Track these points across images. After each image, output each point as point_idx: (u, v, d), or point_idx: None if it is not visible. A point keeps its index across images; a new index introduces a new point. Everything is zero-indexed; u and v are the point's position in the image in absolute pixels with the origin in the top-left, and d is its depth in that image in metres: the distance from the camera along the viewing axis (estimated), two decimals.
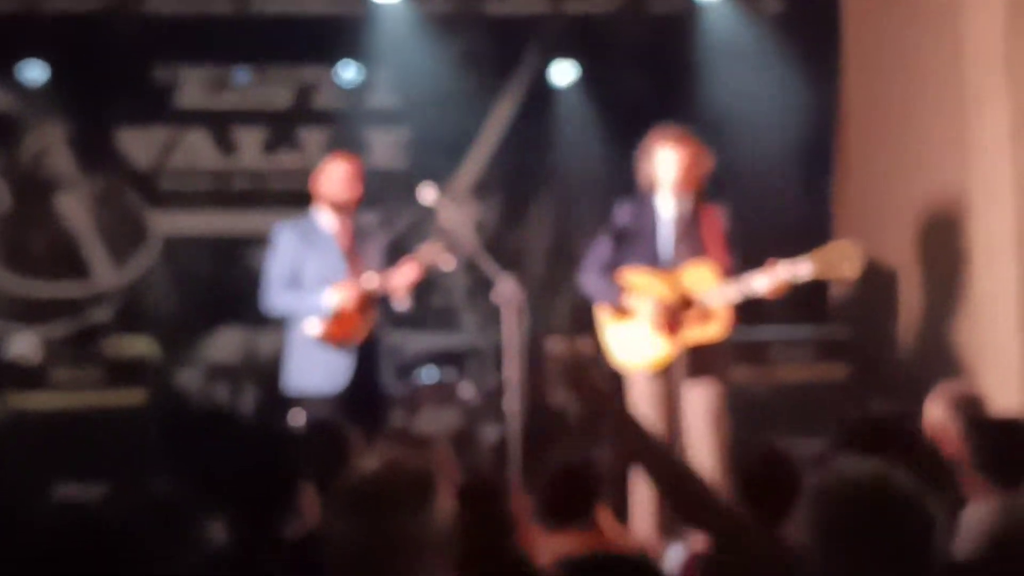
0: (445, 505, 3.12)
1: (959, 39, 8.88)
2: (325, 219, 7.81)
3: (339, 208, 7.79)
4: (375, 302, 7.67)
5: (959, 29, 8.88)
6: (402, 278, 7.63)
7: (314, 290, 7.64)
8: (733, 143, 10.21)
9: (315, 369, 7.63)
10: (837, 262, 7.05)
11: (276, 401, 9.95)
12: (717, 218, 7.44)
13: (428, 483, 3.12)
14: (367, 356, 7.68)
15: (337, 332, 7.58)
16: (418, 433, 8.48)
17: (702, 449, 7.14)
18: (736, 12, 11.04)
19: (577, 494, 5.12)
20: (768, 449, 5.09)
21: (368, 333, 7.67)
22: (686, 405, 7.21)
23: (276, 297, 7.74)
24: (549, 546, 4.71)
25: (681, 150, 7.35)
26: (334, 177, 7.80)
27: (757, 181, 10.61)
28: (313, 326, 7.57)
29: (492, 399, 9.72)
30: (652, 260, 7.34)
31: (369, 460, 3.20)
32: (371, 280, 7.62)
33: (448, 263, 7.74)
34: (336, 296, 7.58)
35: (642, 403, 7.29)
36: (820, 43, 10.92)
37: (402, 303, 7.73)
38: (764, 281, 7.07)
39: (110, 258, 10.93)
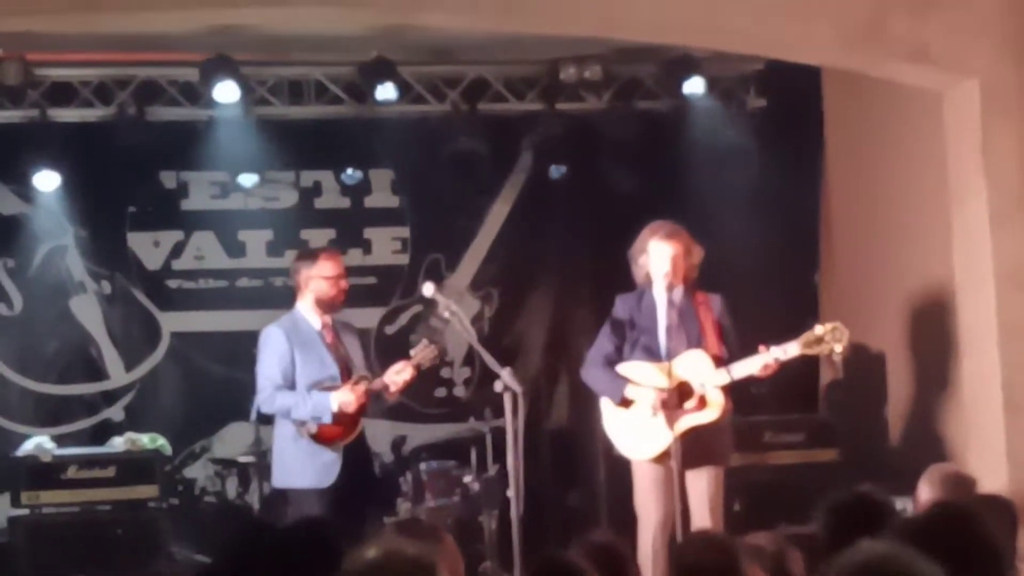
0: None
1: (940, 130, 9.08)
2: (311, 317, 7.98)
3: (326, 306, 7.97)
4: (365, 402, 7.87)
5: (939, 121, 9.09)
6: (398, 377, 7.82)
7: (308, 391, 7.78)
8: (723, 234, 10.43)
9: (305, 464, 7.80)
10: (824, 341, 7.31)
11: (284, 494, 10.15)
12: (711, 306, 7.70)
13: (429, 571, 3.14)
14: (356, 449, 7.88)
15: (335, 432, 7.75)
16: (422, 522, 8.63)
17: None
18: (721, 108, 11.27)
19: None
20: (708, 538, 5.25)
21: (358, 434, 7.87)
22: (688, 490, 7.42)
23: (277, 398, 7.88)
24: None
25: (674, 244, 7.62)
26: (322, 275, 7.97)
27: (747, 271, 10.78)
28: (312, 426, 7.73)
29: (493, 487, 9.86)
30: (651, 350, 7.60)
31: (370, 548, 3.21)
32: (371, 382, 7.80)
33: (438, 361, 7.90)
34: (342, 398, 7.77)
35: (645, 489, 7.53)
36: (804, 136, 11.14)
37: (392, 400, 7.96)
38: (756, 364, 7.33)
39: (122, 358, 11.09)
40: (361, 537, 5.03)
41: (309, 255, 8.21)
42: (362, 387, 7.77)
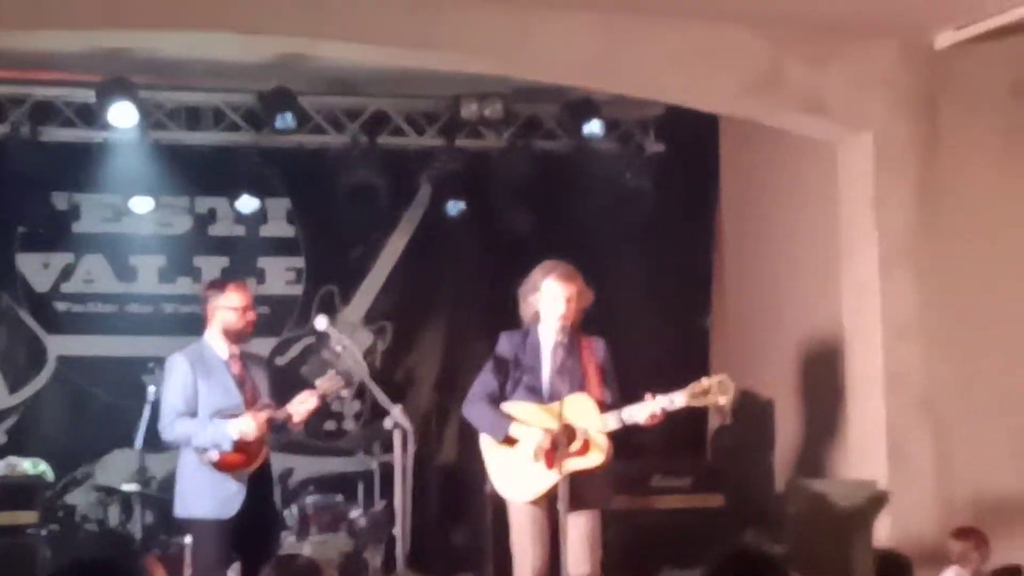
0: None
1: (833, 181, 9.21)
2: (218, 346, 7.93)
3: (233, 336, 7.95)
4: (265, 432, 7.77)
5: (833, 171, 9.21)
6: (302, 407, 7.79)
7: (211, 418, 7.71)
8: (617, 276, 10.49)
9: (208, 494, 7.68)
10: (710, 393, 7.34)
11: (168, 524, 10.02)
12: (595, 350, 7.68)
13: None
14: (259, 481, 7.77)
15: (237, 460, 7.69)
16: (303, 558, 8.55)
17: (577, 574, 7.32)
18: (619, 151, 11.33)
19: None
20: None
21: (262, 462, 7.80)
22: (567, 532, 7.37)
23: (177, 425, 7.76)
24: None
25: (569, 286, 7.59)
26: (230, 306, 7.91)
27: (639, 314, 10.85)
28: (213, 454, 7.64)
29: (380, 523, 9.81)
30: (534, 390, 7.55)
31: None
32: (275, 411, 7.76)
33: (346, 392, 7.89)
34: (242, 426, 7.66)
35: (522, 531, 7.48)
36: (699, 181, 11.25)
37: (296, 429, 7.92)
38: (642, 411, 7.32)
39: (5, 380, 10.93)
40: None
41: (218, 285, 8.13)
42: (264, 415, 7.71)
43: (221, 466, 7.65)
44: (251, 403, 7.81)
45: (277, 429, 7.92)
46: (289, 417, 7.78)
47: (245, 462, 7.70)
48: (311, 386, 7.91)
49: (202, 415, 7.74)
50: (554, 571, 7.32)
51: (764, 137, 9.96)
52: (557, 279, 7.60)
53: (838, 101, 8.90)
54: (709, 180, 11.18)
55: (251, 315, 7.96)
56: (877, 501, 3.42)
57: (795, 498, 2.69)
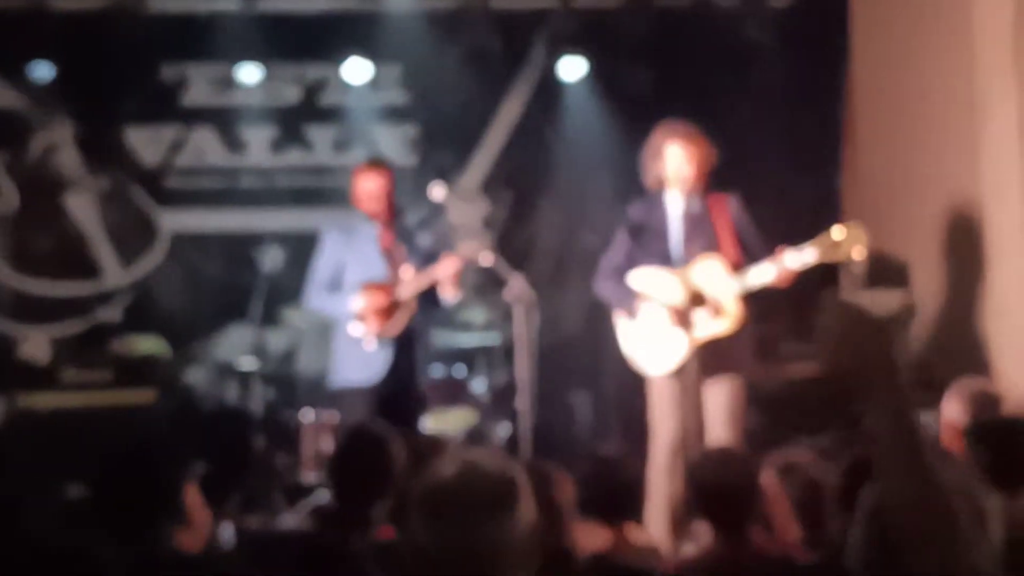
0: (528, 509, 3.00)
1: (969, 37, 8.86)
2: (368, 223, 7.98)
3: (370, 217, 7.94)
4: (411, 300, 7.81)
5: (969, 27, 8.86)
6: (443, 272, 7.74)
7: (349, 292, 7.83)
8: (743, 136, 10.23)
9: (351, 361, 7.83)
10: (842, 245, 7.03)
11: (286, 400, 9.97)
12: (727, 207, 7.43)
13: (510, 487, 2.99)
14: (402, 350, 7.83)
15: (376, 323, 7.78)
16: (428, 434, 8.47)
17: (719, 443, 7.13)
18: (743, 6, 11.01)
19: (619, 491, 5.22)
20: (725, 454, 5.10)
21: (402, 329, 7.81)
22: (705, 402, 7.20)
23: (313, 298, 8.00)
24: (580, 538, 4.76)
25: (688, 147, 7.35)
26: (359, 191, 7.97)
27: (768, 173, 10.61)
28: (355, 326, 7.75)
29: (503, 397, 9.70)
30: (664, 257, 7.33)
31: (446, 465, 3.04)
32: (405, 282, 7.77)
33: (487, 258, 7.80)
34: (360, 301, 7.77)
35: (660, 402, 7.31)
36: (828, 36, 10.90)
37: (449, 296, 7.87)
38: (772, 270, 7.06)
39: (118, 257, 10.89)
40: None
41: (360, 167, 8.18)
42: (381, 293, 7.74)
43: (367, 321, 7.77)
44: (395, 277, 7.87)
45: (430, 305, 7.92)
46: (436, 282, 7.76)
47: (383, 326, 7.76)
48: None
49: (346, 287, 7.86)
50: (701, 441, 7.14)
51: None
52: (678, 141, 7.36)
53: None
54: (838, 34, 10.81)
55: (385, 196, 7.96)
56: (908, 309, 3.21)
57: (830, 308, 2.53)
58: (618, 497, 5.36)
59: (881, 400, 2.56)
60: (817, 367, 9.26)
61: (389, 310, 7.78)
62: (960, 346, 9.09)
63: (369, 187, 7.92)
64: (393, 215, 8.05)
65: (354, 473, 4.88)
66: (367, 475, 4.83)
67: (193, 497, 4.43)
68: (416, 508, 2.98)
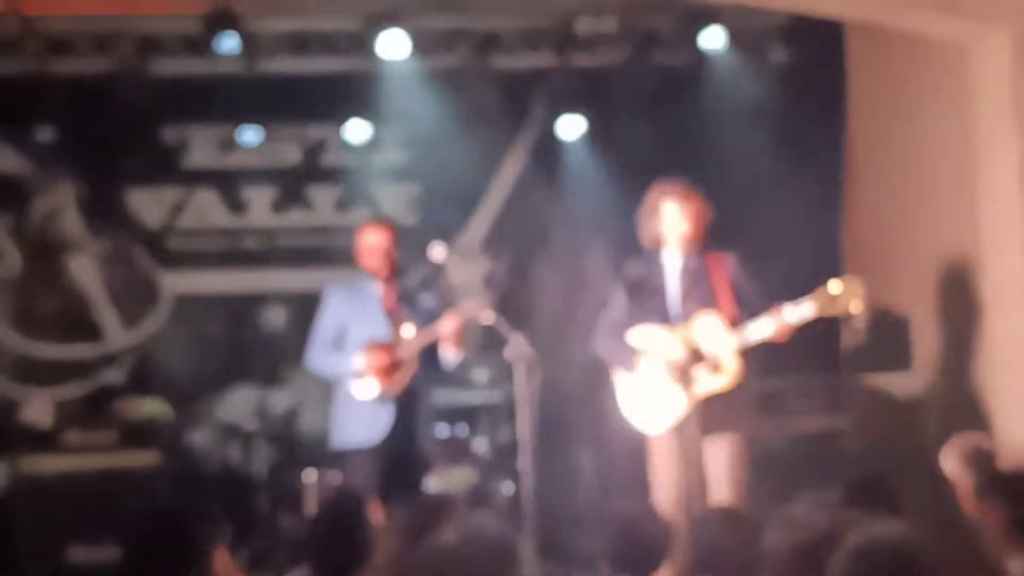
0: (528, 573, 3.02)
1: (966, 85, 8.89)
2: (371, 282, 8.00)
3: (373, 274, 7.98)
4: (413, 359, 7.81)
5: (966, 75, 8.89)
6: (444, 330, 7.76)
7: (352, 351, 7.83)
8: (743, 192, 10.26)
9: (354, 421, 7.82)
10: (839, 299, 7.07)
11: (289, 460, 9.98)
12: (724, 265, 7.47)
13: (511, 553, 3.06)
14: (405, 409, 7.81)
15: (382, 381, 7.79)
16: (439, 495, 8.46)
17: (721, 502, 7.13)
18: (742, 62, 11.04)
19: (648, 546, 5.21)
20: (728, 514, 5.10)
21: (404, 388, 7.81)
22: (706, 459, 7.21)
23: (315, 357, 8.00)
24: None
25: (684, 205, 7.40)
26: (362, 248, 8.00)
27: (769, 229, 10.60)
28: (359, 386, 7.76)
29: (505, 455, 9.70)
30: (662, 315, 7.36)
31: (447, 532, 3.10)
32: (406, 341, 7.78)
33: (488, 317, 7.81)
34: (361, 360, 7.77)
35: (661, 460, 7.32)
36: (827, 91, 10.94)
37: (451, 355, 7.88)
38: (770, 325, 7.09)
39: (121, 319, 10.93)
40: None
41: (363, 224, 8.24)
42: (383, 352, 7.77)
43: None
44: (398, 334, 7.89)
45: (432, 364, 7.92)
46: (437, 340, 7.78)
47: (385, 385, 7.76)
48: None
49: (348, 346, 7.87)
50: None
51: (892, 42, 9.65)
52: (675, 199, 7.42)
53: None
54: (837, 89, 10.85)
55: (388, 255, 7.98)
56: (934, 389, 3.19)
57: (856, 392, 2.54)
58: (646, 552, 5.35)
59: (916, 478, 2.56)
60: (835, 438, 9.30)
61: (391, 369, 7.78)
62: (959, 399, 9.09)
63: (372, 243, 7.95)
64: (395, 273, 8.06)
65: (331, 543, 4.80)
66: (343, 544, 4.74)
67: (223, 560, 4.42)
68: (420, 572, 3.06)
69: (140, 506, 9.06)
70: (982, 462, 5.90)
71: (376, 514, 4.89)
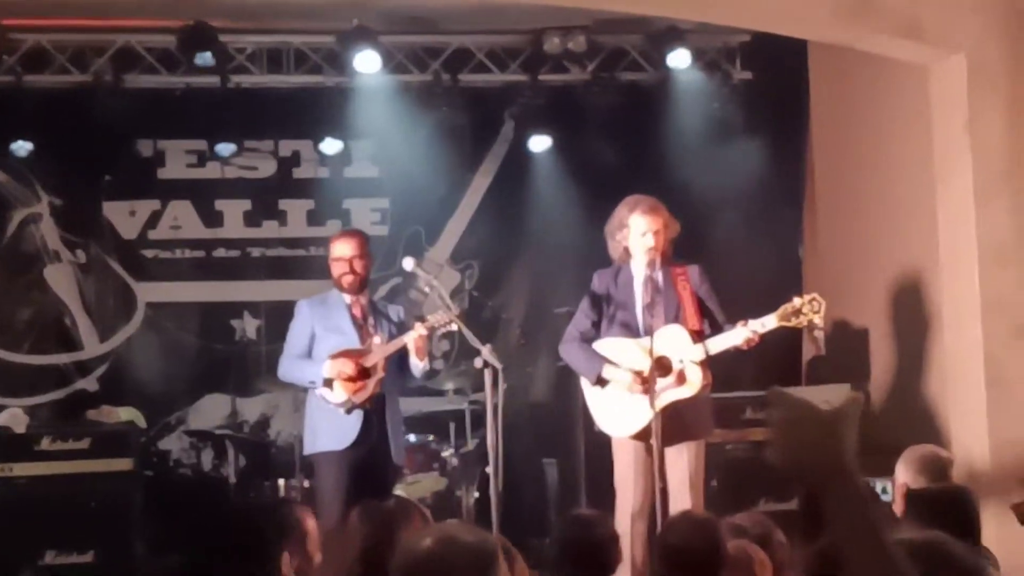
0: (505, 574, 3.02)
1: (926, 105, 9.02)
2: (342, 293, 8.13)
3: (342, 286, 8.12)
4: (381, 367, 7.92)
5: (925, 96, 9.02)
6: (411, 339, 7.87)
7: (321, 360, 7.95)
8: (706, 207, 10.41)
9: (325, 428, 7.96)
10: (802, 313, 7.27)
11: (261, 467, 10.08)
12: (689, 278, 7.62)
13: (487, 558, 3.01)
14: (373, 416, 7.95)
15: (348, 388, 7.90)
16: (396, 499, 8.57)
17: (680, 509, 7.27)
18: (705, 80, 11.17)
19: (596, 551, 5.33)
20: (692, 519, 5.23)
21: (372, 395, 7.93)
22: (667, 468, 7.36)
23: (285, 366, 8.16)
24: None
25: (655, 219, 7.55)
26: (334, 255, 8.12)
27: (730, 244, 10.73)
28: (325, 392, 7.91)
29: (472, 462, 9.80)
30: (628, 326, 7.53)
31: (423, 537, 3.05)
32: (374, 349, 7.91)
33: (456, 327, 7.93)
34: (327, 367, 7.90)
35: (624, 467, 7.47)
36: (789, 109, 11.08)
37: (419, 364, 7.99)
38: (733, 338, 7.27)
39: (96, 328, 11.00)
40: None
41: (334, 236, 8.38)
42: (351, 360, 7.88)
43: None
44: (368, 343, 8.02)
45: (401, 373, 8.06)
46: (403, 346, 7.89)
47: (352, 392, 7.88)
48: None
49: (317, 356, 8.00)
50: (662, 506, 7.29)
51: (854, 62, 9.77)
52: (642, 213, 7.57)
53: (932, 23, 8.67)
54: (799, 107, 11.00)
55: (358, 265, 8.09)
56: (855, 403, 3.29)
57: (777, 404, 2.60)
58: (595, 557, 5.47)
59: (835, 491, 2.54)
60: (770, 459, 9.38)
61: (358, 376, 7.91)
62: (914, 411, 9.26)
63: (343, 252, 8.05)
64: (365, 283, 8.18)
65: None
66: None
67: (286, 564, 4.37)
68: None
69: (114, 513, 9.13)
70: (938, 470, 6.03)
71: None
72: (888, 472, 6.31)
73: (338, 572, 4.89)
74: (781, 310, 7.30)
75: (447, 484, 9.81)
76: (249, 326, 11.08)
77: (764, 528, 5.22)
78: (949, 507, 4.95)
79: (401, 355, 8.02)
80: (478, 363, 7.44)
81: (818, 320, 7.34)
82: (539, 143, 11.39)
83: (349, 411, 7.90)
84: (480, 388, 7.90)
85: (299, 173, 11.48)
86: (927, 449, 6.36)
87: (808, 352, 10.65)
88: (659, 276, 7.54)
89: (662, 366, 7.34)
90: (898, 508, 5.61)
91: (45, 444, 9.34)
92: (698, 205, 10.17)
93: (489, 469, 7.44)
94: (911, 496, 5.29)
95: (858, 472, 2.56)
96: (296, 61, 10.95)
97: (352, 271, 8.06)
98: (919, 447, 6.35)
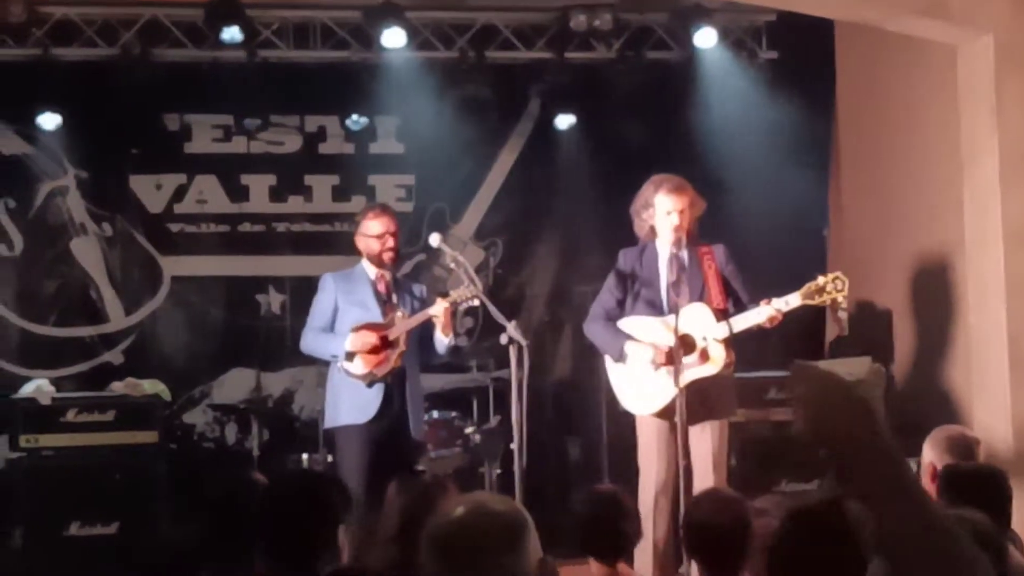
0: (535, 547, 2.99)
1: (952, 86, 8.99)
2: (368, 268, 8.17)
3: (374, 261, 8.14)
4: (403, 341, 7.95)
5: (952, 76, 8.99)
6: (435, 313, 7.91)
7: (344, 334, 7.98)
8: (732, 186, 10.40)
9: (346, 402, 8.00)
10: (825, 291, 7.28)
11: (284, 441, 10.12)
12: (714, 257, 7.63)
13: (518, 526, 2.98)
14: (395, 390, 7.99)
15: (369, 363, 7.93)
16: (432, 475, 8.60)
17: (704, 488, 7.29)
18: (731, 59, 11.17)
19: (617, 529, 5.34)
20: (719, 496, 5.23)
21: (393, 369, 7.96)
22: (691, 446, 7.38)
23: (308, 339, 8.19)
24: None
25: (681, 198, 7.56)
26: (366, 233, 8.13)
27: (756, 223, 10.72)
28: (347, 365, 7.95)
29: (495, 439, 9.82)
30: (653, 304, 7.55)
31: (453, 506, 3.03)
32: (398, 324, 7.94)
33: (481, 303, 7.95)
34: (351, 340, 7.93)
35: (648, 444, 7.50)
36: (815, 89, 11.05)
37: (443, 339, 8.04)
38: (756, 317, 7.28)
39: (121, 301, 11.04)
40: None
41: (364, 211, 8.37)
42: (373, 333, 7.90)
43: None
44: (391, 317, 8.04)
45: (424, 348, 8.09)
46: (426, 321, 7.93)
47: (374, 365, 7.91)
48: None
49: (340, 330, 8.03)
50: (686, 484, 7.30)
51: (880, 41, 9.75)
52: (668, 193, 7.58)
53: (959, 2, 8.66)
54: (825, 86, 10.98)
55: (390, 242, 8.12)
56: (878, 373, 3.26)
57: (800, 376, 2.55)
58: (615, 532, 5.49)
59: (869, 456, 2.48)
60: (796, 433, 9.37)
61: (380, 349, 7.95)
62: (937, 392, 9.25)
63: (381, 228, 8.08)
64: (393, 259, 8.21)
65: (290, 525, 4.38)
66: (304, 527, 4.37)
67: (343, 536, 4.38)
68: (426, 549, 2.98)
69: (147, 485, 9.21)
70: (965, 451, 6.03)
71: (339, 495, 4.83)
72: (910, 453, 6.32)
73: (378, 543, 4.92)
74: (805, 288, 7.31)
75: (470, 460, 9.83)
76: (274, 301, 11.12)
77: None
78: (983, 487, 4.97)
79: (423, 331, 8.05)
80: (503, 339, 7.45)
81: (841, 299, 7.34)
82: (564, 121, 11.40)
83: (371, 384, 7.93)
84: (503, 365, 7.92)
85: (325, 148, 11.49)
86: (955, 430, 6.37)
87: (831, 332, 10.63)
88: (684, 255, 7.55)
89: (686, 344, 7.36)
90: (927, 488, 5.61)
91: (70, 416, 9.41)
92: (723, 183, 10.16)
93: (513, 445, 7.47)
94: (944, 473, 5.29)
95: (890, 435, 2.52)
96: (323, 36, 10.96)
97: (384, 243, 8.09)
98: (947, 427, 6.35)
